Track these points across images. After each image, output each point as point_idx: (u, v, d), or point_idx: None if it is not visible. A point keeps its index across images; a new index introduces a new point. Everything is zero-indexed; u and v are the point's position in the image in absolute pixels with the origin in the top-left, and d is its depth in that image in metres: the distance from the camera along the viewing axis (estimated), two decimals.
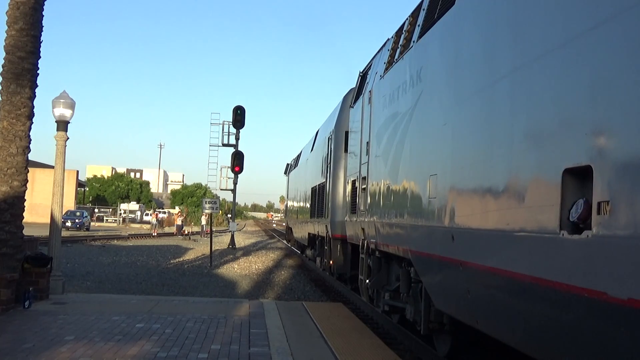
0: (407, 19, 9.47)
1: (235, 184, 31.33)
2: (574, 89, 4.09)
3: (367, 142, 11.05)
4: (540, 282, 4.30)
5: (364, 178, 11.29)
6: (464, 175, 6.04)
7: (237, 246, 32.05)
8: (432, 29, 7.54)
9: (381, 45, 11.57)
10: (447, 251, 6.36)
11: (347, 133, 15.04)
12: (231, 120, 31.29)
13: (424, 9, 8.31)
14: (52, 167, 11.94)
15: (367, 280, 11.11)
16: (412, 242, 7.90)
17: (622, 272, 3.42)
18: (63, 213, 13.13)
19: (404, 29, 9.43)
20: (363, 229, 11.36)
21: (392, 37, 10.46)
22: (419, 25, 8.34)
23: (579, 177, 3.95)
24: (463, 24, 6.44)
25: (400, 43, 9.44)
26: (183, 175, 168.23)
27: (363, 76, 13.10)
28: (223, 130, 32.46)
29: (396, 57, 9.50)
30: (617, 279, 3.43)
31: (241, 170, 30.82)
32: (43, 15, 9.96)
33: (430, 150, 7.23)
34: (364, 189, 11.18)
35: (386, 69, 10.10)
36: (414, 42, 8.44)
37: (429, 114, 7.38)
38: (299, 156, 30.22)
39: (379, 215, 9.87)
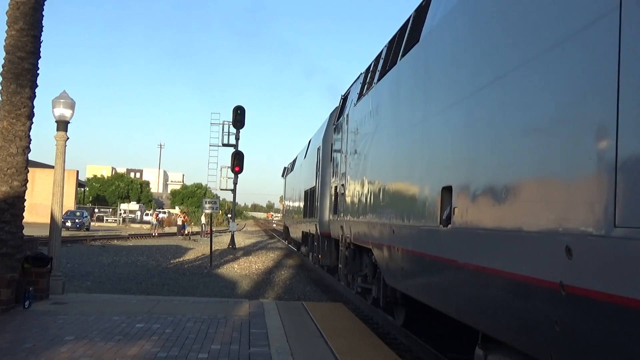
0: (372, 61, 11.99)
1: (235, 184, 31.32)
2: (445, 138, 6.65)
3: (345, 156, 13.59)
4: (429, 257, 6.85)
5: (342, 185, 13.82)
6: (397, 187, 8.63)
7: (237, 246, 31.96)
8: (385, 76, 10.07)
9: (356, 77, 14.10)
10: (390, 241, 8.89)
11: (332, 145, 17.61)
12: (231, 120, 31.26)
13: (382, 58, 10.84)
14: (52, 167, 11.93)
15: (344, 268, 13.64)
16: (372, 237, 10.41)
17: (462, 247, 5.93)
18: (63, 213, 13.05)
19: (370, 69, 11.96)
20: (342, 227, 13.88)
21: (364, 72, 12.98)
22: (378, 70, 10.87)
23: (448, 193, 6.45)
24: (400, 80, 8.99)
25: (368, 80, 11.97)
26: (183, 175, 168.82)
27: (344, 99, 15.67)
28: (223, 130, 32.23)
29: (364, 91, 12.04)
30: (461, 251, 5.95)
31: (241, 170, 30.73)
32: (43, 15, 10.00)
33: (381, 167, 9.81)
34: (343, 193, 13.72)
35: (358, 99, 12.65)
36: (374, 83, 10.97)
37: (381, 140, 9.95)
38: (294, 161, 32.46)
39: (352, 215, 12.39)
